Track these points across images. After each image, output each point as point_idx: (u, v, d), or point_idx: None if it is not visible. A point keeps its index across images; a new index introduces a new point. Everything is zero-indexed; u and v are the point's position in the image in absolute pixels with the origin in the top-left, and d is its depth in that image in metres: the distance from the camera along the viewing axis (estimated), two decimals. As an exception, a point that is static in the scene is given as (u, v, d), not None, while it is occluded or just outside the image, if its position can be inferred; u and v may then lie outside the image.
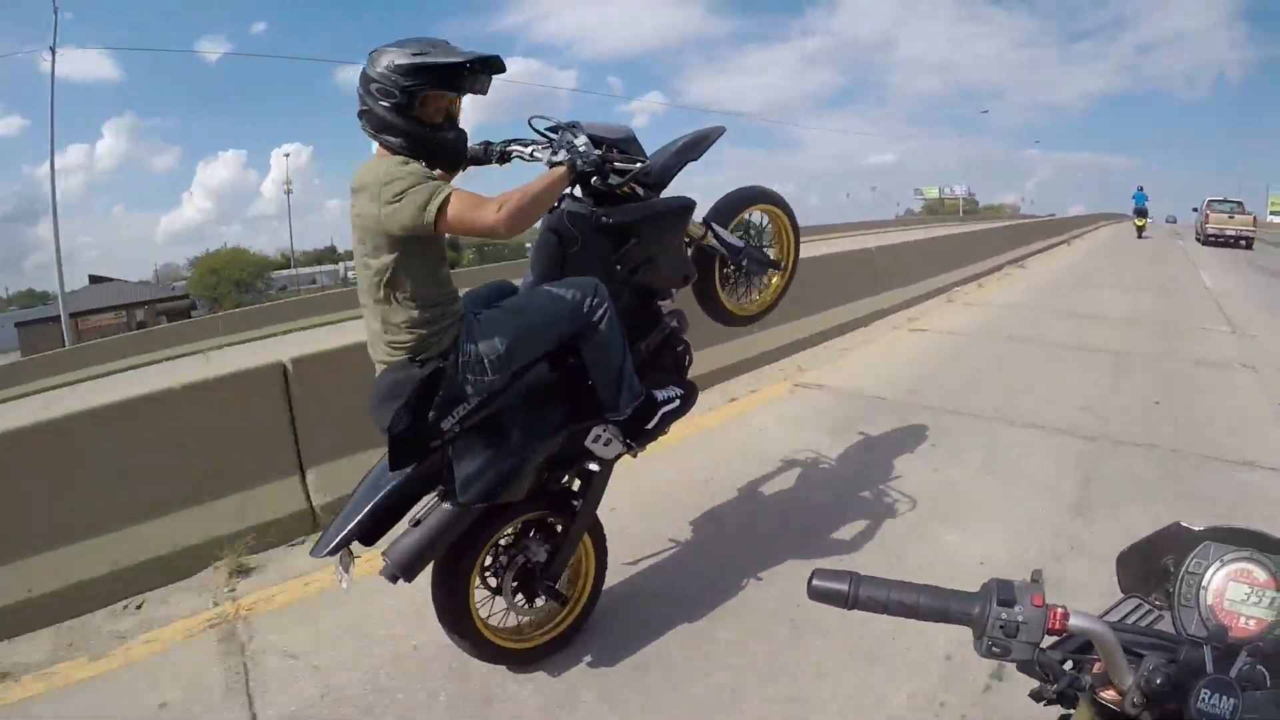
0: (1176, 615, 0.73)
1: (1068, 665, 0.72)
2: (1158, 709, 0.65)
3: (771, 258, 2.72)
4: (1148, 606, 0.82)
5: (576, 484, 2.16)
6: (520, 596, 2.05)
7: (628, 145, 2.07)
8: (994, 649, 0.67)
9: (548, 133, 2.08)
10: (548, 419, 1.96)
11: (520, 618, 2.08)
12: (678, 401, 2.21)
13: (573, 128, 1.98)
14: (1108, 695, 0.70)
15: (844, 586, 0.72)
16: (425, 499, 1.87)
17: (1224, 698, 0.62)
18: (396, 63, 1.69)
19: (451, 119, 1.83)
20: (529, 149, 2.10)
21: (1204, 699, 0.62)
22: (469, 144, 1.96)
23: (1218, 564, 0.72)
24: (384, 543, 1.85)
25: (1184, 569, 0.73)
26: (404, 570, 1.80)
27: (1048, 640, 0.69)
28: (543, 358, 1.96)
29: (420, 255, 1.74)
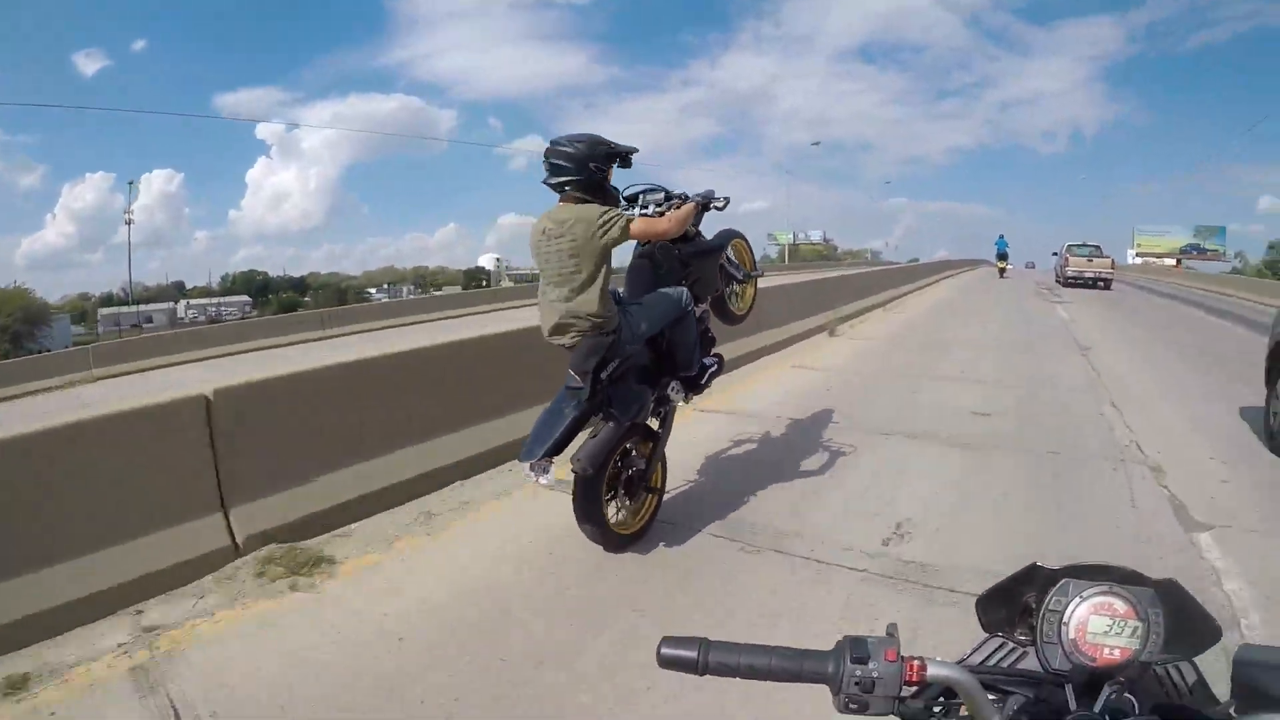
0: (1041, 652, 0.74)
1: (938, 709, 0.74)
2: None
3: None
4: (1011, 645, 0.82)
5: (654, 422, 3.21)
6: (625, 494, 3.02)
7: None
8: (851, 705, 0.68)
9: (642, 192, 3.28)
10: (653, 376, 3.14)
11: (621, 514, 3.03)
12: (715, 365, 3.43)
13: (660, 188, 3.29)
14: None
15: (693, 654, 0.71)
16: (592, 422, 2.88)
17: None
18: (598, 149, 2.84)
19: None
20: (639, 197, 3.27)
21: None
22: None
23: (1077, 599, 0.72)
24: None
25: (1045, 606, 0.73)
26: (594, 465, 2.74)
27: (909, 690, 0.70)
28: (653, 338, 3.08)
29: (608, 269, 2.81)
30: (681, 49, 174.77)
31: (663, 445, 3.18)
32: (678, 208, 3.12)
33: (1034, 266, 52.48)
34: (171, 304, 58.41)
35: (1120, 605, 0.71)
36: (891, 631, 0.72)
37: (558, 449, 2.75)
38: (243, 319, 38.36)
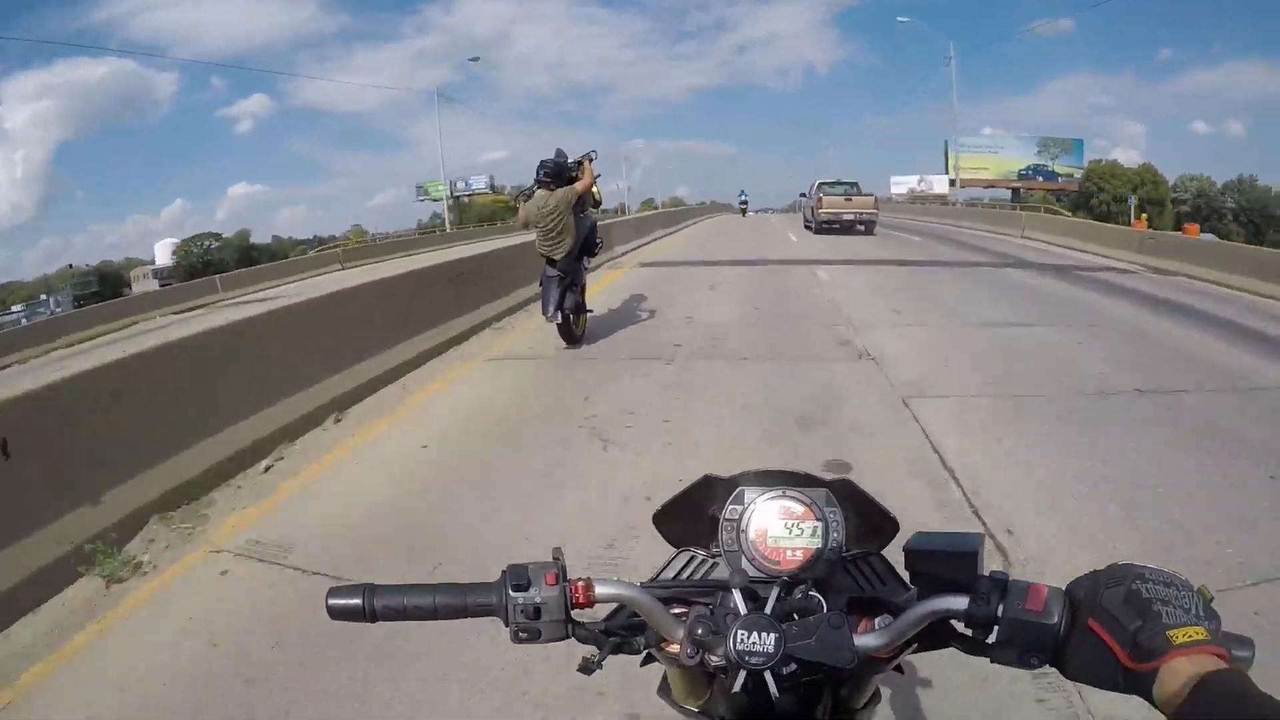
0: (724, 562, 0.75)
1: (624, 629, 0.73)
2: (713, 656, 0.64)
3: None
4: (702, 556, 0.82)
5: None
6: (575, 315, 6.04)
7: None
8: (521, 634, 0.67)
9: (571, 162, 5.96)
10: (580, 259, 6.04)
11: (577, 326, 6.12)
12: (599, 246, 6.54)
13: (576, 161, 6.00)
14: (673, 650, 0.69)
15: (358, 601, 0.68)
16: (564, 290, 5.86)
17: (763, 634, 0.62)
18: (569, 160, 5.89)
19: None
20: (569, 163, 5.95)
21: (740, 639, 0.62)
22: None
23: (753, 506, 0.73)
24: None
25: (723, 516, 0.74)
26: (569, 308, 5.87)
27: (587, 615, 0.69)
28: (578, 256, 5.96)
29: (574, 220, 5.82)
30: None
31: (582, 289, 6.20)
32: (583, 166, 5.93)
33: (768, 210, 54.17)
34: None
35: (797, 507, 0.73)
36: (557, 556, 0.70)
37: (559, 305, 5.78)
38: None
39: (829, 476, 0.76)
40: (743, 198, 38.37)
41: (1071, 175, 44.75)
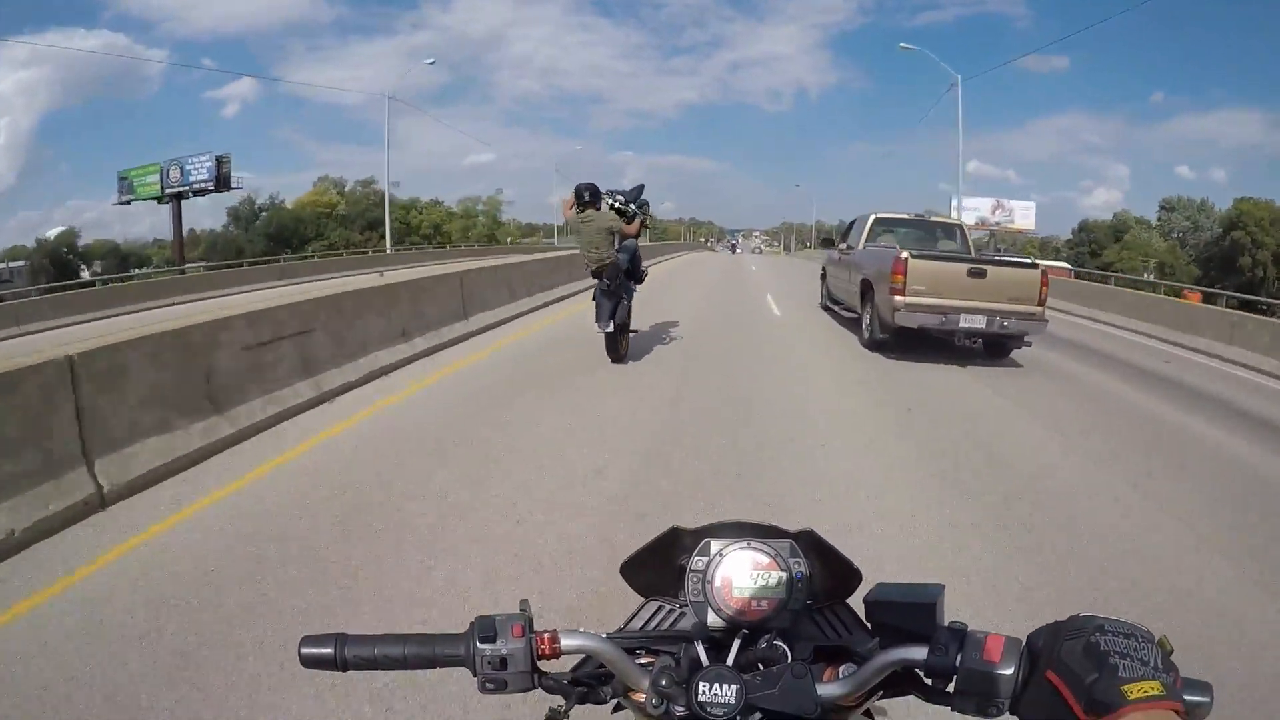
0: (690, 613, 0.75)
1: (590, 679, 0.74)
2: (678, 706, 0.65)
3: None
4: (670, 606, 0.82)
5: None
6: (621, 334, 6.81)
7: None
8: (489, 685, 0.67)
9: (608, 192, 6.94)
10: (627, 281, 6.88)
11: (621, 345, 6.86)
12: (644, 277, 7.53)
13: (614, 193, 7.06)
14: (640, 699, 0.69)
15: (330, 650, 0.68)
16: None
17: (725, 685, 0.63)
18: (630, 194, 7.18)
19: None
20: (609, 194, 6.91)
21: (702, 691, 0.63)
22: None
23: (718, 557, 0.74)
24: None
25: (689, 568, 0.75)
26: (617, 322, 6.60)
27: (554, 665, 0.70)
28: (625, 275, 6.77)
29: (615, 239, 6.62)
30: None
31: (629, 304, 6.90)
32: (630, 216, 6.82)
33: (737, 250, 51.90)
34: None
35: (762, 558, 0.74)
36: (523, 607, 0.71)
37: (610, 317, 6.48)
38: None
39: (794, 528, 0.77)
40: (732, 240, 43.96)
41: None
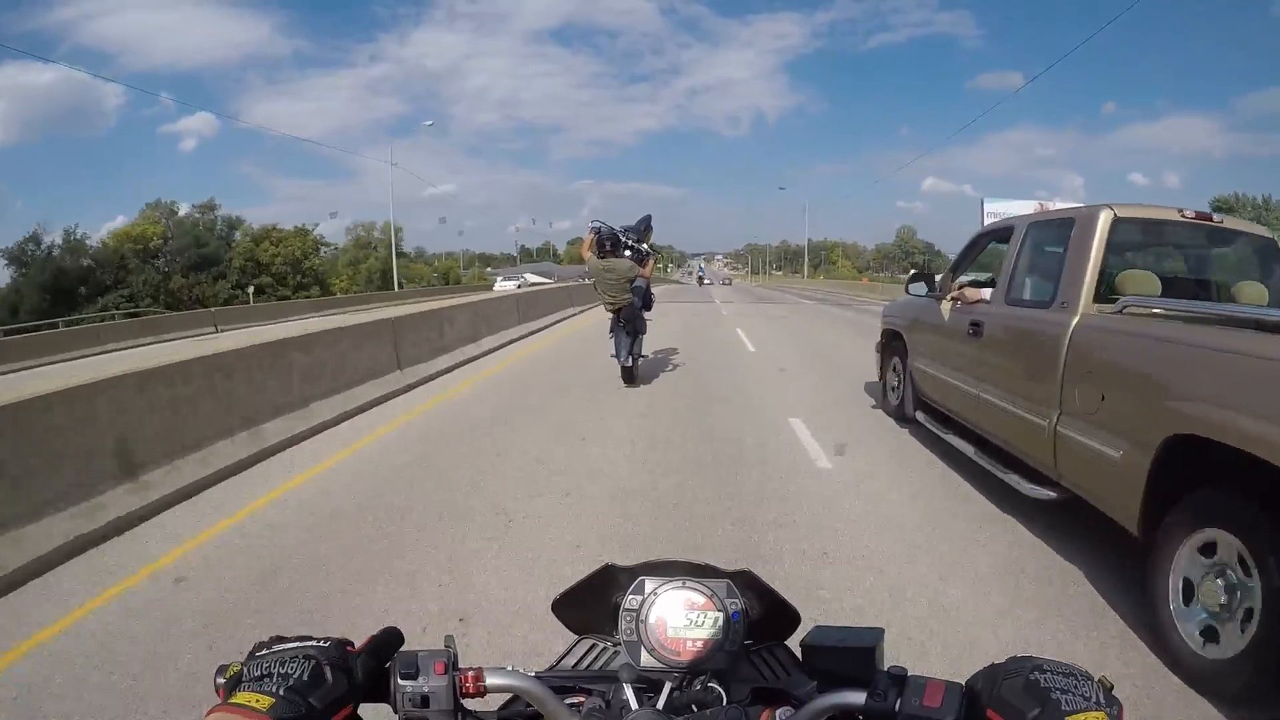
0: (624, 652, 0.74)
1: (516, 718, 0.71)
2: None
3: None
4: (604, 645, 0.80)
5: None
6: (634, 360, 7.67)
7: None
8: None
9: (622, 231, 7.72)
10: (641, 314, 7.68)
11: (635, 365, 7.72)
12: (650, 306, 8.05)
13: (627, 232, 7.87)
14: None
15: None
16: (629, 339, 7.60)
17: None
18: (638, 228, 7.85)
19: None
20: (622, 235, 7.70)
21: None
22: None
23: (653, 596, 0.73)
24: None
25: (622, 606, 0.74)
26: (631, 356, 7.58)
27: (478, 703, 0.68)
28: (640, 309, 7.63)
29: (631, 283, 7.40)
30: (371, 21, 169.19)
31: (643, 332, 7.82)
32: (644, 256, 7.62)
33: (704, 282, 50.74)
34: None
35: (698, 598, 0.73)
36: (448, 643, 0.68)
37: (628, 351, 7.42)
38: None
39: (730, 568, 0.77)
40: (699, 270, 46.12)
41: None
